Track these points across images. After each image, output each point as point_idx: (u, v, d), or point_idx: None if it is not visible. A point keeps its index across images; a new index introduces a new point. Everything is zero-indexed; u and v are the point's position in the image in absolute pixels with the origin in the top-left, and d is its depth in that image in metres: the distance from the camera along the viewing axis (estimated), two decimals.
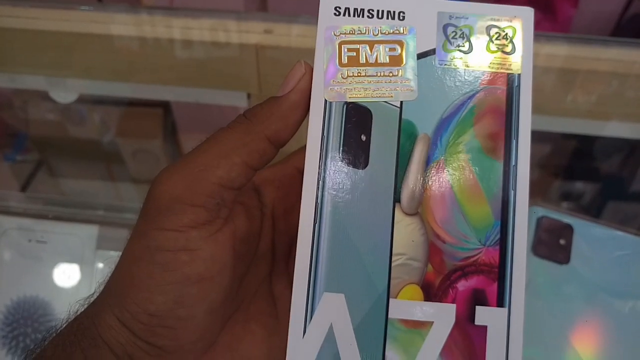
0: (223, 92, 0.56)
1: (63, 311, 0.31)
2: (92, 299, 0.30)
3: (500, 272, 0.28)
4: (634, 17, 0.57)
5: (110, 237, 0.56)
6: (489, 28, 0.30)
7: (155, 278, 0.28)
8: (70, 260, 0.55)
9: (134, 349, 0.29)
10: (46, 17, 0.51)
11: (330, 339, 0.28)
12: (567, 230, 0.45)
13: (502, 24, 0.30)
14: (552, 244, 0.44)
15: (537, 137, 0.58)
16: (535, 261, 0.43)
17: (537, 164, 0.64)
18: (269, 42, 0.48)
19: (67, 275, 0.55)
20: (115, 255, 0.30)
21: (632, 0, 0.55)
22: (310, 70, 0.29)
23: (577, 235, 0.44)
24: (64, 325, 0.30)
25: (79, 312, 0.30)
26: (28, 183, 0.73)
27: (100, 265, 0.56)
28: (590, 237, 0.44)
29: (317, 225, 0.28)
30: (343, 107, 0.29)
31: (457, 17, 0.30)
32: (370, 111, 0.29)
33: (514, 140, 0.29)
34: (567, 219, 0.45)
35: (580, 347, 0.40)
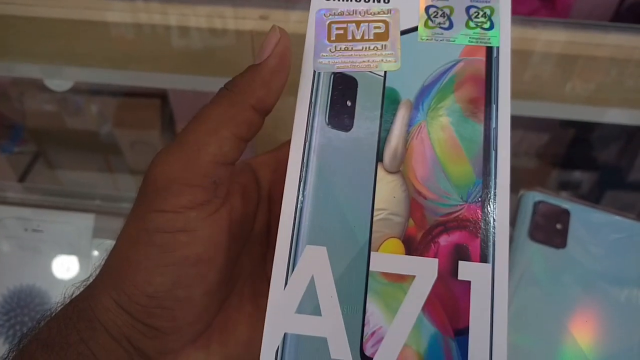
0: (219, 79, 0.58)
1: (60, 299, 0.31)
2: (88, 283, 0.31)
3: (483, 227, 0.28)
4: (633, 5, 0.57)
5: (107, 226, 0.56)
6: (468, 8, 0.32)
7: (154, 259, 0.28)
8: (67, 249, 0.56)
9: (131, 331, 0.29)
10: (42, 4, 0.52)
11: (311, 291, 0.28)
12: (564, 215, 0.44)
13: (480, 4, 0.32)
14: (549, 229, 0.43)
15: (535, 125, 0.59)
16: (532, 246, 0.42)
17: (535, 153, 0.63)
18: (264, 29, 0.48)
19: (63, 264, 0.55)
20: (111, 244, 0.30)
21: None
22: (285, 35, 0.30)
23: (574, 219, 0.43)
24: (59, 309, 0.30)
25: (74, 295, 0.30)
26: (25, 174, 0.74)
27: (97, 253, 0.56)
28: (587, 221, 0.43)
29: (302, 182, 0.29)
30: (330, 76, 0.31)
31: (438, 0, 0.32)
32: (355, 80, 0.31)
33: (494, 105, 0.30)
34: (564, 204, 0.44)
35: (577, 334, 0.38)
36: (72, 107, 0.72)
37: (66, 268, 0.56)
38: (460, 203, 0.29)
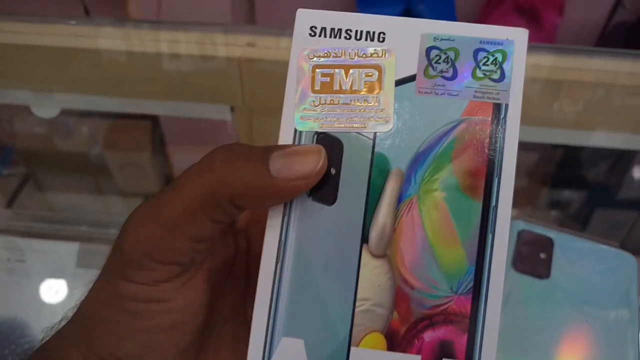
0: (206, 105, 0.55)
1: (42, 332, 0.31)
2: (60, 326, 0.30)
3: (471, 323, 0.26)
4: (618, 25, 0.57)
5: (93, 254, 0.55)
6: (476, 52, 0.27)
7: (124, 325, 0.27)
8: (50, 279, 0.55)
9: None
10: (33, 32, 0.50)
11: None
12: (548, 244, 0.42)
13: (492, 48, 0.27)
14: (533, 259, 0.42)
15: (525, 145, 0.57)
16: (515, 276, 0.41)
17: (525, 172, 0.63)
18: (252, 55, 0.47)
19: (46, 295, 0.55)
20: (95, 273, 0.29)
21: (616, 8, 0.53)
22: (322, 170, 0.26)
23: (558, 248, 0.42)
24: (31, 355, 0.29)
25: (44, 341, 0.30)
26: (15, 197, 0.73)
27: (80, 284, 0.56)
28: (571, 250, 0.42)
29: (279, 264, 0.27)
30: (313, 137, 0.27)
31: (442, 39, 0.27)
32: (341, 142, 0.27)
33: (496, 179, 0.26)
34: (547, 233, 0.43)
35: None
36: (62, 130, 0.69)
37: (49, 299, 0.55)
38: (449, 294, 0.26)
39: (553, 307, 0.39)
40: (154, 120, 0.67)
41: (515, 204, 0.27)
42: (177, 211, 0.26)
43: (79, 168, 0.74)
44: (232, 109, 0.57)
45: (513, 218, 0.44)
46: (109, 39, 0.50)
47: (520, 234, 0.43)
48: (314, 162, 0.25)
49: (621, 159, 0.61)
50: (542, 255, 0.42)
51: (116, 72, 0.52)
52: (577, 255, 0.42)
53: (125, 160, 0.69)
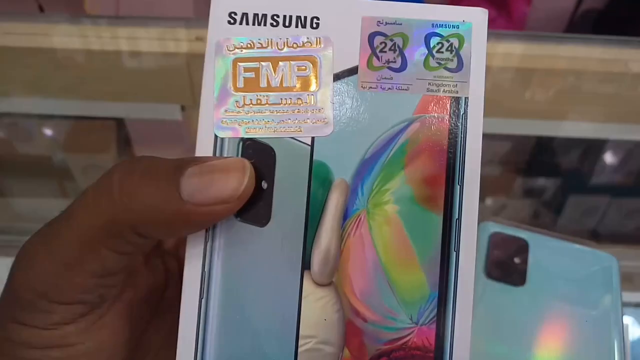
0: (156, 105, 0.50)
1: None
2: None
3: (436, 358, 0.22)
4: (585, 12, 0.56)
5: None
6: (428, 37, 0.23)
7: None
8: None
9: None
10: None
11: None
12: (522, 247, 0.39)
13: (446, 32, 0.23)
14: (506, 264, 0.38)
15: (494, 135, 0.56)
16: (489, 284, 0.37)
17: (499, 161, 0.61)
18: (200, 50, 0.42)
19: None
20: None
21: None
22: (248, 190, 0.21)
23: (533, 252, 0.38)
24: None
25: None
26: None
27: None
28: (547, 253, 0.38)
29: (203, 300, 0.22)
30: (238, 144, 0.23)
31: (387, 23, 0.23)
32: (273, 150, 0.23)
33: (458, 186, 0.22)
34: (521, 234, 0.39)
35: None
36: (22, 133, 0.63)
37: None
38: (409, 325, 0.22)
39: (530, 317, 0.36)
40: (118, 119, 0.62)
41: (490, 192, 0.23)
42: (71, 245, 0.22)
43: (41, 172, 0.69)
44: (183, 107, 0.54)
45: (482, 220, 0.40)
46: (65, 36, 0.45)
47: (492, 237, 0.39)
48: (236, 182, 0.21)
49: (593, 145, 0.61)
50: (517, 260, 0.38)
51: (65, 72, 0.48)
52: (554, 259, 0.38)
53: (87, 162, 0.63)
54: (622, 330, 0.35)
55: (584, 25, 0.56)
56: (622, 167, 0.60)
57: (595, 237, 0.63)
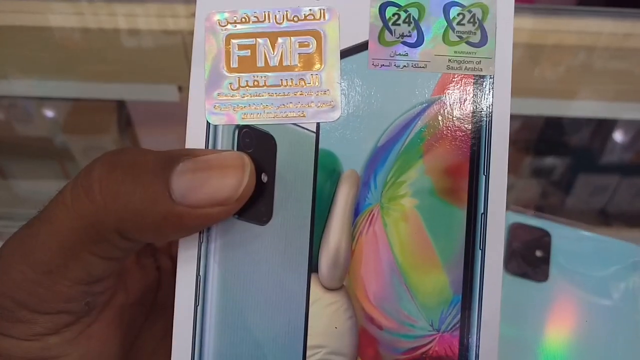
0: (152, 86, 0.48)
1: None
2: None
3: None
4: None
5: None
6: (448, 7, 0.20)
7: None
8: None
9: None
10: None
11: None
12: (545, 239, 0.36)
13: (468, 1, 0.20)
14: (528, 258, 0.35)
15: None
16: (509, 280, 0.34)
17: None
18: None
19: None
20: None
21: None
22: (248, 190, 0.19)
23: (556, 245, 0.35)
24: None
25: None
26: None
27: None
28: (571, 245, 0.35)
29: (199, 307, 0.20)
30: (234, 132, 0.20)
31: None
32: (273, 139, 0.20)
33: (484, 177, 0.20)
34: (543, 225, 0.36)
35: None
36: (21, 114, 0.61)
37: None
38: (430, 333, 0.20)
39: (554, 315, 0.33)
40: (119, 100, 0.59)
41: None
42: (51, 250, 0.19)
43: (42, 153, 0.66)
44: (180, 88, 0.51)
45: None
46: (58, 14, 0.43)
47: (512, 228, 0.36)
48: (235, 181, 0.18)
49: (603, 123, 0.59)
50: (539, 254, 0.35)
51: (59, 52, 0.45)
52: (578, 252, 0.35)
53: (88, 144, 0.61)
54: None
55: None
56: (633, 146, 0.58)
57: (605, 216, 0.61)
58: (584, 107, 0.48)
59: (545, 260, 0.35)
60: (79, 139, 0.63)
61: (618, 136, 0.57)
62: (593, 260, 0.35)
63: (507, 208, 0.38)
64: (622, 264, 0.35)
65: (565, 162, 0.61)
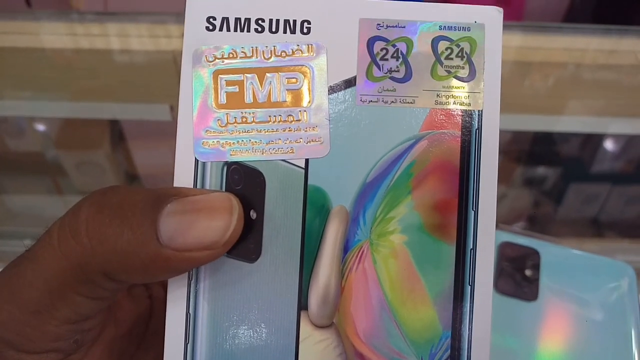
0: (144, 106, 0.48)
1: None
2: None
3: None
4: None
5: None
6: (436, 41, 0.20)
7: None
8: None
9: None
10: None
11: None
12: (534, 257, 0.36)
13: (456, 35, 0.20)
14: (517, 277, 0.35)
15: None
16: (498, 299, 0.34)
17: (499, 151, 0.60)
18: None
19: None
20: None
21: None
22: (236, 233, 0.19)
23: (545, 263, 0.35)
24: None
25: None
26: None
27: None
28: (560, 264, 0.35)
29: (189, 345, 0.20)
30: (222, 169, 0.20)
31: (388, 27, 0.20)
32: (262, 175, 0.20)
33: (472, 212, 0.20)
34: (532, 243, 0.36)
35: None
36: (13, 129, 0.60)
37: None
38: None
39: (544, 335, 0.33)
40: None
41: None
42: (39, 291, 0.19)
43: (34, 168, 0.66)
44: (172, 108, 0.51)
45: None
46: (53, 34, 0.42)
47: (500, 247, 0.36)
48: (222, 224, 0.18)
49: (593, 133, 0.59)
50: (528, 273, 0.35)
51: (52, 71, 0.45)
52: (568, 270, 0.35)
53: (81, 159, 0.61)
54: None
55: (583, 9, 0.53)
56: (623, 154, 0.59)
57: (596, 225, 0.61)
58: (571, 122, 0.48)
59: (535, 279, 0.35)
60: (71, 154, 0.63)
61: (608, 145, 0.58)
62: (582, 278, 0.35)
63: (496, 227, 0.38)
64: (612, 283, 0.35)
65: (556, 171, 0.61)
